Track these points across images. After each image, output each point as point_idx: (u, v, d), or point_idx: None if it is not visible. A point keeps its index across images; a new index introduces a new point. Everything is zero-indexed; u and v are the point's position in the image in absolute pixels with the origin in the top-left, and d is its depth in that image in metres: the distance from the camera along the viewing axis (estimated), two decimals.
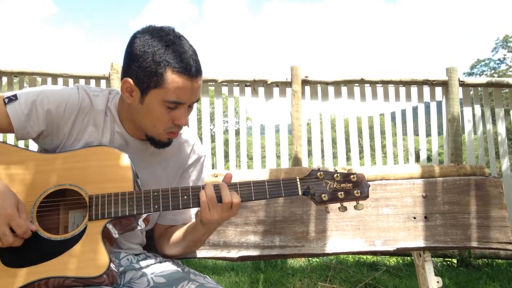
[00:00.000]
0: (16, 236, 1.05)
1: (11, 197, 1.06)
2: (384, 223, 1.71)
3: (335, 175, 1.18)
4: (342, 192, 1.17)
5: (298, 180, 1.18)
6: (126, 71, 1.16)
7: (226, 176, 1.20)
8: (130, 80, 1.14)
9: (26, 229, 1.06)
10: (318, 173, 1.18)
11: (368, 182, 1.20)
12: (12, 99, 1.16)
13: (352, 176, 1.18)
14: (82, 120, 1.23)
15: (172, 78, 1.11)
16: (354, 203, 1.19)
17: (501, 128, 4.30)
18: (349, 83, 4.25)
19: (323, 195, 1.17)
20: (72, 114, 1.22)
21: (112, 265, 1.07)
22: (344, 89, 4.28)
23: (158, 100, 1.13)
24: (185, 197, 1.15)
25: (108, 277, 1.06)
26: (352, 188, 1.18)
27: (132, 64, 1.14)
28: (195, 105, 1.27)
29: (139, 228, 1.20)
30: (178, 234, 1.34)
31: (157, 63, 1.11)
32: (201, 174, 1.42)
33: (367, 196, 1.18)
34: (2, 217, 1.03)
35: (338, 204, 1.19)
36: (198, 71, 1.15)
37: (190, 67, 1.12)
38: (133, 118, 1.23)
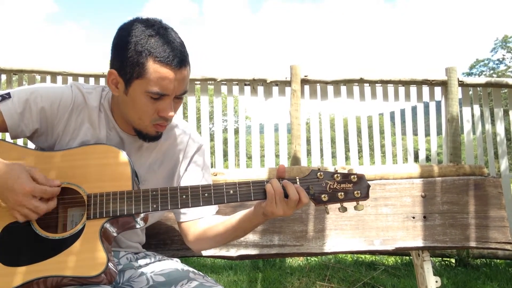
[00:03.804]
0: (47, 200, 1.08)
1: (21, 173, 1.06)
2: (383, 222, 1.71)
3: (335, 175, 1.17)
4: (342, 193, 1.16)
5: (298, 180, 1.17)
6: (112, 63, 1.16)
7: (280, 170, 1.17)
8: (114, 71, 1.14)
9: (51, 192, 1.08)
10: (318, 173, 1.17)
11: (368, 182, 1.19)
12: (6, 97, 1.16)
13: (352, 177, 1.17)
14: (77, 117, 1.23)
15: (154, 68, 1.09)
16: (354, 203, 1.18)
17: (500, 128, 4.30)
18: (348, 82, 4.25)
19: (323, 196, 1.16)
20: (66, 111, 1.21)
21: (110, 264, 1.06)
22: (343, 88, 4.28)
23: (141, 91, 1.12)
24: (184, 196, 1.15)
25: (107, 276, 1.05)
26: (352, 189, 1.17)
27: (116, 55, 1.14)
28: (194, 103, 1.26)
29: (138, 226, 1.20)
30: (218, 227, 1.30)
31: (139, 52, 1.09)
32: (206, 162, 1.40)
33: (367, 197, 1.17)
34: (23, 195, 1.04)
35: (338, 205, 1.18)
36: (183, 62, 1.12)
37: (173, 57, 1.10)
38: (121, 111, 1.22)
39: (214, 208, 1.39)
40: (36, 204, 1.05)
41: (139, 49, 1.09)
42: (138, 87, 1.12)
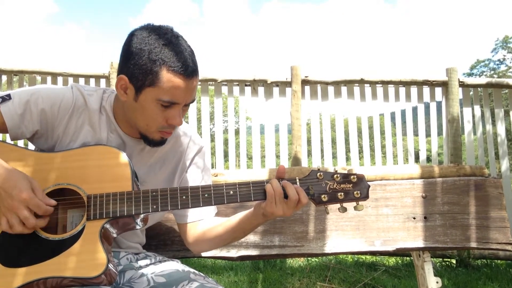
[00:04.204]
0: (38, 216, 1.07)
1: (23, 180, 1.06)
2: (383, 223, 1.71)
3: (335, 176, 1.17)
4: (342, 193, 1.16)
5: (297, 180, 1.17)
6: (122, 68, 1.15)
7: (280, 170, 1.18)
8: (125, 77, 1.14)
9: (45, 208, 1.07)
10: (318, 174, 1.17)
11: (368, 183, 1.19)
12: (6, 98, 1.16)
13: (352, 177, 1.17)
14: (77, 119, 1.23)
15: (168, 77, 1.10)
16: (354, 203, 1.18)
17: (501, 129, 4.30)
18: (349, 83, 4.25)
19: (322, 196, 1.16)
20: (66, 113, 1.21)
21: (110, 265, 1.06)
22: (344, 89, 4.28)
23: (152, 99, 1.12)
24: (184, 197, 1.15)
25: (107, 277, 1.05)
26: (352, 189, 1.16)
27: (127, 61, 1.13)
28: (195, 104, 1.26)
29: (137, 227, 1.20)
30: (217, 228, 1.31)
31: (153, 61, 1.10)
32: (206, 164, 1.40)
33: (367, 197, 1.17)
34: (19, 203, 1.04)
35: (338, 205, 1.18)
36: (194, 72, 1.14)
37: (186, 67, 1.11)
38: (127, 116, 1.22)
39: (213, 210, 1.39)
40: (27, 215, 1.05)
41: (153, 57, 1.10)
42: (149, 95, 1.12)
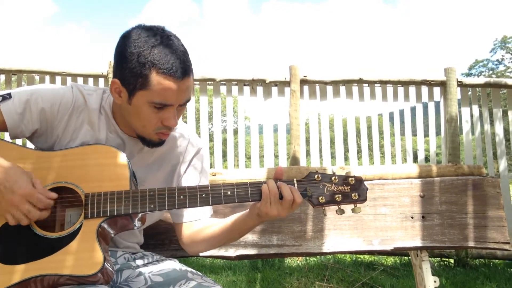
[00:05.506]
0: (40, 209, 1.07)
1: (23, 175, 1.07)
2: (381, 222, 1.71)
3: (333, 178, 1.17)
4: (340, 195, 1.16)
5: (295, 181, 1.17)
6: (115, 72, 1.16)
7: (278, 172, 1.18)
8: (118, 81, 1.14)
9: (46, 202, 1.07)
10: (316, 175, 1.17)
11: (366, 182, 1.19)
12: (6, 97, 1.16)
13: (350, 179, 1.17)
14: (77, 119, 1.23)
15: (157, 79, 1.09)
16: (351, 206, 1.17)
17: (499, 128, 4.30)
18: (347, 83, 4.26)
19: (320, 198, 1.16)
20: (66, 113, 1.22)
21: (106, 264, 1.06)
22: (342, 89, 4.28)
23: (145, 102, 1.12)
24: (181, 196, 1.14)
25: (103, 276, 1.05)
26: (350, 191, 1.16)
27: (119, 65, 1.13)
28: (194, 104, 1.26)
29: (135, 227, 1.20)
30: (213, 229, 1.30)
31: (142, 64, 1.09)
32: (205, 165, 1.40)
33: (365, 200, 1.17)
34: (20, 197, 1.04)
35: (336, 207, 1.18)
36: (185, 72, 1.12)
37: (176, 69, 1.09)
38: (124, 117, 1.23)
39: (209, 210, 1.39)
40: (30, 209, 1.05)
41: (142, 60, 1.09)
42: (142, 98, 1.12)
